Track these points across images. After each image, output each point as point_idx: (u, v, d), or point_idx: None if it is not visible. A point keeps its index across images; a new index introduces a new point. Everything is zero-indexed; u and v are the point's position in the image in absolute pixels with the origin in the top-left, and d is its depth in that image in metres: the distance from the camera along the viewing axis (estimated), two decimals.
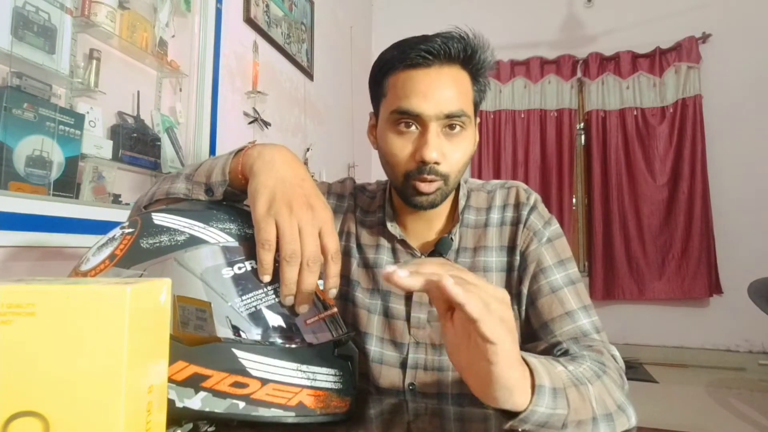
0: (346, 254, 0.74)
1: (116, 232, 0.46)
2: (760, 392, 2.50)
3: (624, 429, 0.47)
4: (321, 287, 0.46)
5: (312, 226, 0.45)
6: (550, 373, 0.41)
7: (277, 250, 0.43)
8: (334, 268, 0.46)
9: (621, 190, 3.20)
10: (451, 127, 0.62)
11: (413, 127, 0.62)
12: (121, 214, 1.27)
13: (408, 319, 0.69)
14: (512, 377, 0.36)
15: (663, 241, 3.11)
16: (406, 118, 0.61)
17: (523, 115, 3.42)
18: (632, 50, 3.23)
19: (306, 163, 2.49)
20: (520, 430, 0.39)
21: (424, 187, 0.62)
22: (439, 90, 0.60)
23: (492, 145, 3.46)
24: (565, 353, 0.58)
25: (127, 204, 1.36)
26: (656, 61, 3.20)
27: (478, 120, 0.70)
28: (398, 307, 0.70)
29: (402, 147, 0.62)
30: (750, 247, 2.94)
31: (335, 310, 0.48)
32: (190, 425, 0.41)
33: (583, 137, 3.45)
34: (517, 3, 3.53)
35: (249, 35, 2.06)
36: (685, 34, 3.11)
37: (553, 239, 0.67)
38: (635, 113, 3.22)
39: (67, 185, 1.19)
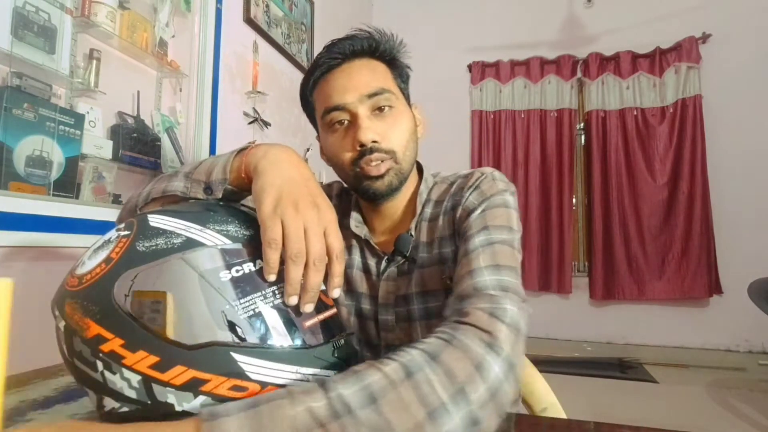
0: None
1: (112, 234, 0.45)
2: (760, 392, 2.50)
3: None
4: (321, 287, 0.46)
5: (318, 225, 0.45)
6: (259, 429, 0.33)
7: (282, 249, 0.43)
8: (339, 268, 0.46)
9: (621, 190, 3.20)
10: (380, 109, 0.65)
11: (345, 122, 0.65)
12: None
13: (376, 320, 0.69)
14: None
15: (663, 241, 3.11)
16: (335, 114, 0.65)
17: (523, 115, 3.42)
18: (632, 50, 3.23)
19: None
20: None
21: (371, 169, 0.63)
22: (355, 78, 0.64)
23: (492, 145, 3.46)
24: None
25: None
26: (656, 61, 3.20)
27: (416, 107, 0.72)
28: (367, 307, 0.71)
29: (340, 141, 0.65)
30: (750, 247, 2.94)
31: (335, 310, 0.48)
32: None
33: (583, 137, 3.45)
34: (517, 3, 3.53)
35: (249, 35, 2.06)
36: (685, 34, 3.11)
37: (487, 209, 0.61)
38: (635, 113, 3.22)
39: (67, 185, 1.19)
